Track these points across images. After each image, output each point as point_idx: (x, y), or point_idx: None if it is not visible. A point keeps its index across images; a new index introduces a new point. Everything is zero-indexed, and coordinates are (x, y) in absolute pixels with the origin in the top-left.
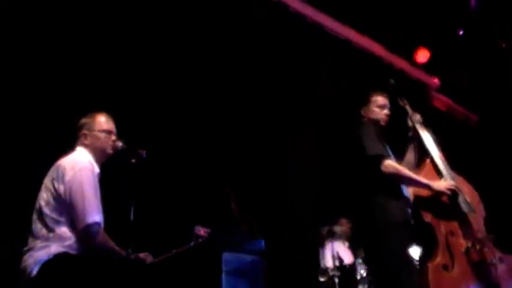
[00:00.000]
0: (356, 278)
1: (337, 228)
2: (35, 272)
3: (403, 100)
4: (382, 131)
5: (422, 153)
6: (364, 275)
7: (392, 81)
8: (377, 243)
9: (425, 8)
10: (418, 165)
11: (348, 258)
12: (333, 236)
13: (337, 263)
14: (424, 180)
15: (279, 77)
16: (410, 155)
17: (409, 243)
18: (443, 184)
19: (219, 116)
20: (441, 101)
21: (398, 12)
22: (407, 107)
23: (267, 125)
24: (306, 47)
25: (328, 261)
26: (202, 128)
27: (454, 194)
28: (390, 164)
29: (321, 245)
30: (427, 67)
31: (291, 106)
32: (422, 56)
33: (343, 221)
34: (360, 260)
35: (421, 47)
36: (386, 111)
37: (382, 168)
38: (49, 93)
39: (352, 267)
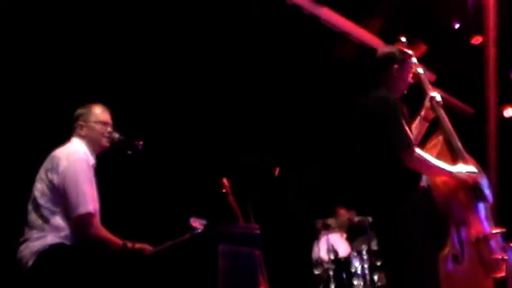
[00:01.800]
0: (351, 271)
1: (332, 221)
2: (31, 262)
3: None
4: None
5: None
6: (359, 267)
7: (404, 39)
8: (395, 235)
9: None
10: (424, 142)
11: (343, 250)
12: (327, 228)
13: (332, 256)
14: (448, 169)
15: (275, 68)
16: (417, 133)
17: (429, 234)
18: (465, 173)
19: (217, 107)
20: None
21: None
22: (425, 81)
23: (263, 116)
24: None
25: (323, 254)
26: (199, 119)
27: (474, 182)
28: (420, 155)
29: (316, 238)
30: (423, 60)
31: (287, 98)
32: (419, 49)
33: (342, 211)
34: (355, 253)
35: (417, 41)
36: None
37: (414, 158)
38: (45, 83)
39: (347, 260)
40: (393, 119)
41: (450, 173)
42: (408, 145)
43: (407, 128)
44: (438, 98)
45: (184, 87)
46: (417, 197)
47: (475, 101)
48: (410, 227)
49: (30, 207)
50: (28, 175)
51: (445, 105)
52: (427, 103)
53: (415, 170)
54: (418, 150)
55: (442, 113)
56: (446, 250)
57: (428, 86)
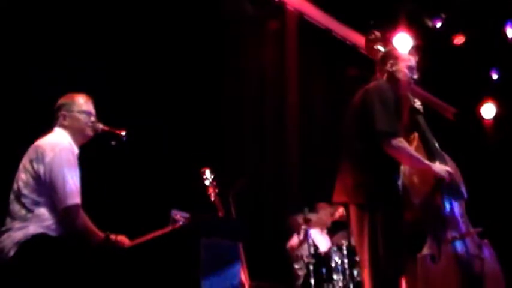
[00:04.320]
0: (330, 266)
1: (313, 216)
2: (12, 252)
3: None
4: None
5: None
6: (339, 262)
7: (376, 33)
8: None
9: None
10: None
11: (323, 245)
12: (308, 223)
13: (312, 251)
14: (427, 162)
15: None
16: None
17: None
18: (443, 168)
19: (198, 98)
20: (419, 94)
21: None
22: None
23: (244, 107)
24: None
25: (304, 249)
26: (180, 110)
27: (449, 179)
28: (400, 143)
29: (297, 232)
30: None
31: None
32: None
33: (323, 205)
34: (335, 248)
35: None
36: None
37: (392, 144)
38: (25, 72)
39: (327, 255)
40: (381, 105)
41: (429, 165)
42: (388, 132)
43: (393, 117)
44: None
45: (165, 78)
46: (396, 188)
47: (455, 100)
48: (389, 218)
49: (12, 197)
50: (9, 165)
51: (427, 104)
52: None
53: (396, 161)
54: (400, 140)
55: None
56: (424, 250)
57: None
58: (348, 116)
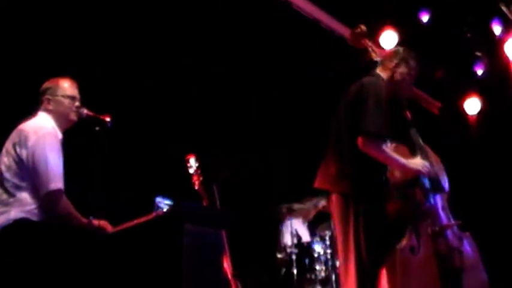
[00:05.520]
0: (313, 256)
1: (297, 206)
2: None
3: (376, 54)
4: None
5: None
6: (322, 253)
7: (362, 27)
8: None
9: None
10: None
11: (306, 236)
12: (291, 213)
13: (295, 241)
14: (402, 161)
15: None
16: None
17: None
18: (419, 162)
19: (184, 84)
20: None
21: None
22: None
23: (233, 95)
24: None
25: (287, 239)
26: (166, 96)
27: (428, 173)
28: (375, 143)
29: (281, 222)
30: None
31: (254, 79)
32: None
33: (305, 199)
34: (317, 238)
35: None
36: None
37: (368, 144)
38: (9, 57)
39: (310, 245)
40: (373, 103)
41: (404, 164)
42: (368, 132)
43: (382, 117)
44: None
45: (151, 64)
46: (380, 181)
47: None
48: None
49: None
50: None
51: (412, 99)
52: None
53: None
54: (379, 142)
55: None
56: (404, 242)
57: None
58: (341, 106)
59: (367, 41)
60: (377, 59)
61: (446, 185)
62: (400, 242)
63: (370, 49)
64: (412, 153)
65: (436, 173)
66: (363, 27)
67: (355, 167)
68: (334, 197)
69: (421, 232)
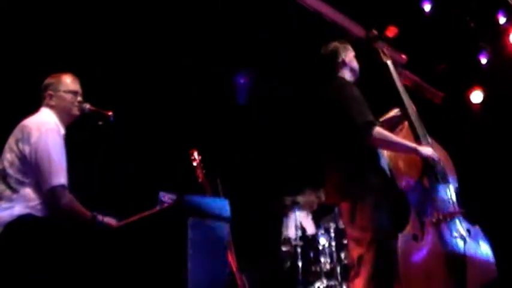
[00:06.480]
0: (318, 248)
1: (301, 199)
2: None
3: (386, 56)
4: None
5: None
6: (326, 245)
7: (375, 31)
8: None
9: None
10: (393, 128)
11: (310, 228)
12: (296, 206)
13: (299, 233)
14: (412, 145)
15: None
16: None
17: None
18: (429, 150)
19: (186, 80)
20: (408, 77)
21: None
22: (391, 66)
23: (233, 90)
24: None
25: (291, 231)
26: (169, 91)
27: (435, 161)
28: (381, 131)
29: (285, 214)
30: (394, 42)
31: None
32: (390, 31)
33: (308, 191)
34: (322, 231)
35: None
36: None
37: (374, 135)
38: (12, 53)
39: (314, 238)
40: (351, 100)
41: (414, 148)
42: (367, 122)
43: (366, 108)
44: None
45: (153, 59)
46: (377, 179)
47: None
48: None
49: None
50: None
51: (416, 89)
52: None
53: (376, 148)
54: (378, 129)
55: (406, 95)
56: (407, 229)
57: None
58: (320, 116)
59: (380, 43)
60: (387, 61)
61: (452, 178)
62: (402, 229)
63: (381, 52)
64: (418, 143)
65: (443, 165)
66: (375, 32)
67: (354, 169)
68: (344, 206)
69: (425, 221)
